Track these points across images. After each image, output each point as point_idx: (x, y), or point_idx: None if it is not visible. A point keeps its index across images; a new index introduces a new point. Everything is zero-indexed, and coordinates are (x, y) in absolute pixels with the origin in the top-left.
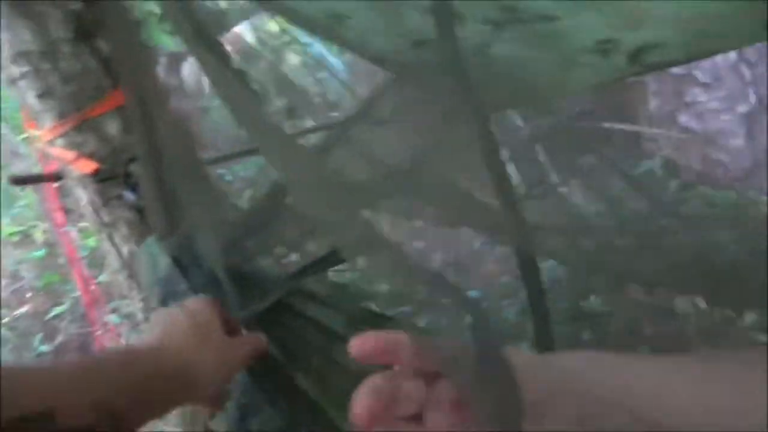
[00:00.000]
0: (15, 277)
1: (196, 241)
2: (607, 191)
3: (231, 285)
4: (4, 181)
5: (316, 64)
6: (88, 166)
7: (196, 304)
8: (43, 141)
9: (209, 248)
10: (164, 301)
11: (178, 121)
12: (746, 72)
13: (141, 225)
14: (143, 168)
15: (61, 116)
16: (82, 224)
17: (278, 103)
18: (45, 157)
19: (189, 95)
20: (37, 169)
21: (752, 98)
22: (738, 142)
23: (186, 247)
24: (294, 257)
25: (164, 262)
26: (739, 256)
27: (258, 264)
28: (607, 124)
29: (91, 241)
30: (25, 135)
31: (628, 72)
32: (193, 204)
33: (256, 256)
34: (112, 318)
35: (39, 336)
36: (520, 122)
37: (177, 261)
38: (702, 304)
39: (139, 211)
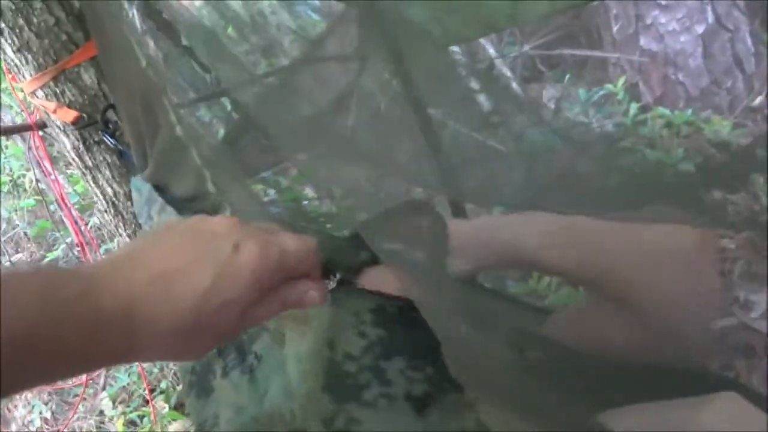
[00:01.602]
0: (9, 224)
1: (168, 173)
2: (570, 117)
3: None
4: None
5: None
6: (69, 114)
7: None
8: (25, 92)
9: (178, 181)
10: (150, 217)
11: (147, 67)
12: None
13: (121, 167)
14: (120, 111)
15: (39, 68)
16: (70, 171)
17: (254, 40)
18: (28, 107)
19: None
20: (21, 119)
21: (710, 17)
22: (696, 62)
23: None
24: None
25: (146, 188)
26: (691, 169)
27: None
28: (568, 51)
29: (80, 187)
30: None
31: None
32: (163, 142)
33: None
34: None
35: None
36: (491, 51)
37: (155, 186)
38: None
39: (119, 153)
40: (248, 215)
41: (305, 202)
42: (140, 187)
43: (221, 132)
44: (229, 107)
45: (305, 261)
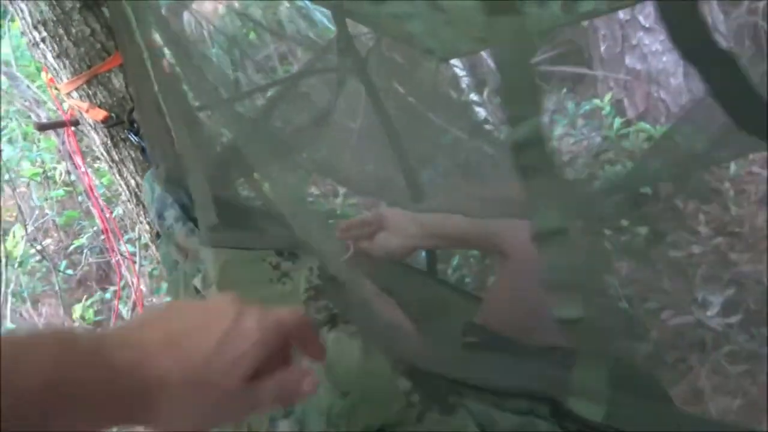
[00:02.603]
0: (39, 212)
1: (183, 171)
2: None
3: (204, 203)
4: (24, 127)
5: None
6: (99, 114)
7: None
8: (62, 93)
9: (193, 177)
10: (160, 215)
11: (169, 74)
12: None
13: (144, 161)
14: (140, 114)
15: (75, 73)
16: (96, 165)
17: (272, 48)
18: (63, 106)
19: (190, 42)
20: (54, 116)
21: None
22: (677, 80)
23: (174, 175)
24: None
25: (158, 187)
26: (665, 181)
27: (236, 192)
28: (559, 68)
29: (106, 180)
30: (40, 84)
31: (564, 20)
32: (182, 142)
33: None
34: (128, 247)
35: (63, 263)
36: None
37: (167, 186)
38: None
39: (142, 150)
40: (255, 212)
41: (310, 200)
42: (152, 184)
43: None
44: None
45: (300, 326)
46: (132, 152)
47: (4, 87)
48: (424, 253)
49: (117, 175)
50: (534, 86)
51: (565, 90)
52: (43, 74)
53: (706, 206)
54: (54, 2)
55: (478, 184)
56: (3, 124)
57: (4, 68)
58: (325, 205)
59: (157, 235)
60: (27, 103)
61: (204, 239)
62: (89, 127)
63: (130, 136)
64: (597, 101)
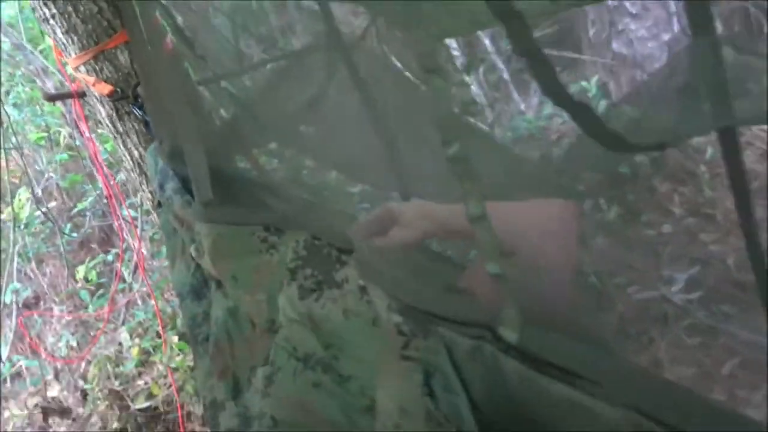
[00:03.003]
0: (43, 175)
1: (182, 145)
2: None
3: (201, 179)
4: (30, 92)
5: None
6: (105, 88)
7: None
8: (70, 67)
9: (191, 154)
10: (161, 186)
11: (170, 53)
12: (671, 3)
13: (147, 134)
14: (144, 91)
15: (83, 48)
16: (100, 131)
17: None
18: (71, 78)
19: (195, 12)
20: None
21: (675, 27)
22: (661, 65)
23: (176, 151)
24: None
25: (161, 161)
26: (641, 161)
27: (234, 168)
28: (548, 50)
29: (109, 146)
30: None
31: (552, 8)
32: (181, 119)
33: (233, 160)
34: (130, 212)
35: (67, 226)
36: (489, 46)
37: (169, 160)
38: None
39: (146, 123)
40: (249, 189)
41: (304, 172)
42: (156, 157)
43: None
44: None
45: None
46: (136, 125)
47: (8, 51)
48: None
49: (121, 146)
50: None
51: (558, 70)
52: (52, 46)
53: (682, 188)
54: None
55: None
56: (8, 88)
57: (11, 36)
58: (319, 178)
59: (158, 204)
60: (32, 68)
61: (198, 214)
62: (95, 100)
63: (134, 110)
64: (584, 83)
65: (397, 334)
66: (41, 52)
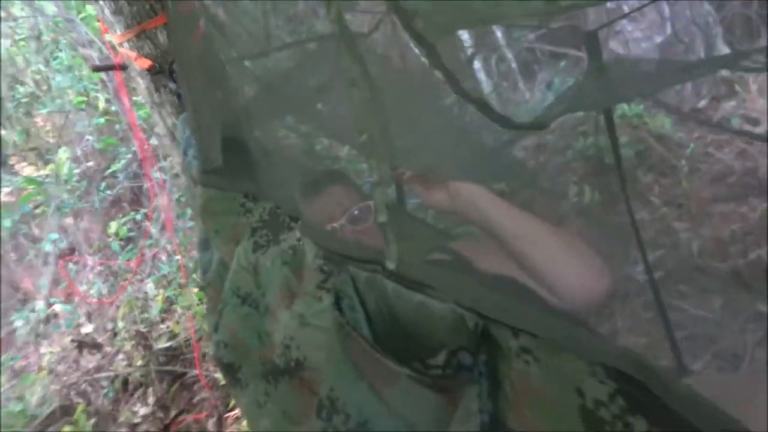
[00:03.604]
0: (81, 138)
1: (198, 117)
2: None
3: (210, 149)
4: (71, 59)
5: None
6: (145, 63)
7: None
8: (115, 43)
9: (206, 123)
10: (185, 152)
11: (201, 34)
12: (666, 8)
13: (179, 106)
14: (178, 68)
15: (127, 27)
16: (135, 98)
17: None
18: (115, 52)
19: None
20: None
21: (668, 30)
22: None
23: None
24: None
25: (187, 130)
26: (627, 152)
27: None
28: (548, 47)
29: (143, 113)
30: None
31: (547, 10)
32: (201, 92)
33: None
34: (161, 174)
35: (102, 184)
36: (501, 38)
37: (192, 130)
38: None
39: (178, 96)
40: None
41: (318, 147)
42: (184, 126)
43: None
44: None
45: None
46: (170, 97)
47: (53, 18)
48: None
49: (156, 115)
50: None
51: (563, 63)
52: (99, 23)
53: (663, 179)
54: None
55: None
56: (54, 54)
57: (60, 6)
58: (330, 150)
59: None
60: (73, 35)
61: (197, 179)
62: (135, 73)
63: (169, 83)
64: (580, 78)
65: (320, 272)
66: (81, 20)
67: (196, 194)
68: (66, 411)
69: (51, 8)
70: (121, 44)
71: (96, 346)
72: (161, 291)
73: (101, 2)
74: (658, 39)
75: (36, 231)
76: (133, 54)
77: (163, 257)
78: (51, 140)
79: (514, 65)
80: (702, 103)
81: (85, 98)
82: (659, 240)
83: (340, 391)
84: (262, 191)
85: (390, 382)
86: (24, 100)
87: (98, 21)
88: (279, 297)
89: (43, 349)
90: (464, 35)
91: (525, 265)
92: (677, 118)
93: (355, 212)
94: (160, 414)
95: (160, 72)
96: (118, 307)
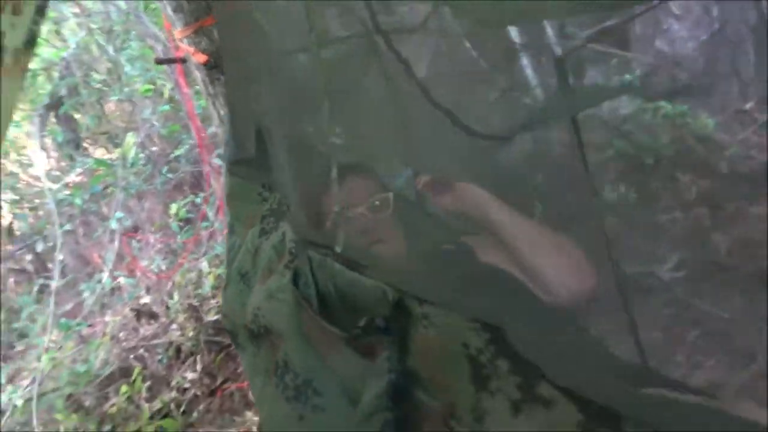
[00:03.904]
0: (147, 123)
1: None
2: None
3: (244, 139)
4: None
5: None
6: (202, 57)
7: None
8: (176, 38)
9: (246, 115)
10: (227, 143)
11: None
12: (714, 8)
13: None
14: (225, 64)
15: (186, 24)
16: (195, 88)
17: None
18: (176, 47)
19: None
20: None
21: (716, 29)
22: (698, 66)
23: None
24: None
25: None
26: (667, 152)
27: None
28: (599, 46)
29: (202, 102)
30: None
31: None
32: (244, 86)
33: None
34: (217, 161)
35: (165, 168)
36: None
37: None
38: None
39: None
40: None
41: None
42: None
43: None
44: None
45: None
46: (223, 89)
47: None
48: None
49: (212, 106)
50: None
51: (614, 61)
52: (163, 20)
53: (701, 180)
54: None
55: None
56: (125, 45)
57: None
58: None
59: None
60: (143, 28)
61: (225, 168)
62: (194, 66)
63: (222, 77)
64: (627, 76)
65: (289, 254)
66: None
67: (225, 182)
68: (124, 373)
69: (122, 3)
70: (181, 39)
71: (153, 316)
72: (213, 269)
73: (164, 1)
74: (704, 38)
75: (104, 209)
76: (191, 49)
77: (218, 238)
78: (120, 125)
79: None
80: (749, 105)
81: (152, 87)
82: (689, 239)
83: (292, 354)
84: (275, 182)
85: (333, 349)
86: (96, 87)
87: (160, 7)
88: (261, 275)
89: (107, 318)
90: (513, 31)
91: (520, 263)
92: (721, 119)
93: (376, 202)
94: (206, 380)
95: (215, 66)
96: (174, 282)
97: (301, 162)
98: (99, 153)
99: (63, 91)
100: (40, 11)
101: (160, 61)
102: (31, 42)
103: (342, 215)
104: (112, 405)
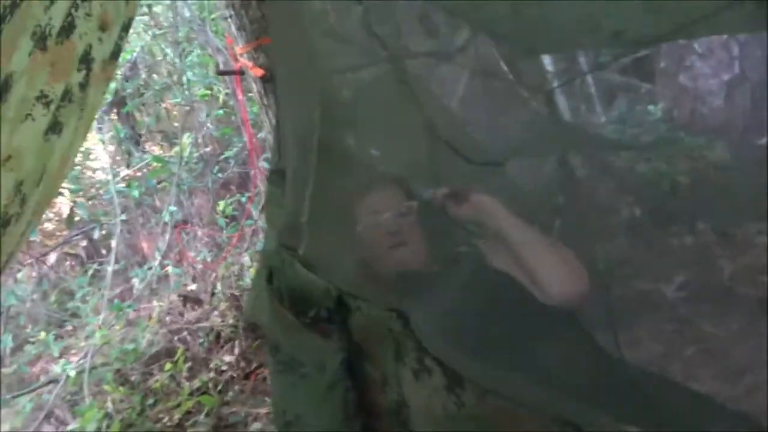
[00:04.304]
0: (202, 127)
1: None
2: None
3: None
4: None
5: None
6: (258, 72)
7: None
8: (237, 53)
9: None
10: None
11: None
12: (735, 47)
13: None
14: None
15: (247, 41)
16: (250, 94)
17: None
18: (237, 60)
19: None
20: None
21: (737, 68)
22: (719, 101)
23: None
24: None
25: None
26: (683, 180)
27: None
28: (624, 78)
29: (255, 109)
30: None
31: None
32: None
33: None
34: (264, 164)
35: (215, 168)
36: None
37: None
38: None
39: None
40: None
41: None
42: None
43: None
44: None
45: None
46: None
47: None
48: None
49: (265, 114)
50: None
51: (642, 91)
52: (226, 36)
53: (713, 208)
54: None
55: None
56: (186, 53)
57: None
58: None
59: None
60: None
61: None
62: (251, 79)
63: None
64: (651, 107)
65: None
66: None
67: (265, 189)
68: (168, 353)
69: (187, 11)
70: (241, 54)
71: (197, 302)
72: (255, 263)
73: (229, 20)
74: (726, 77)
75: (157, 203)
76: (250, 63)
77: (261, 235)
78: (175, 125)
79: (593, 90)
80: (763, 140)
81: (209, 92)
82: (695, 262)
83: (272, 336)
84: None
85: (298, 332)
86: (157, 88)
87: (224, 25)
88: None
89: (154, 303)
90: (546, 59)
91: (523, 267)
92: (737, 152)
93: (403, 209)
94: (242, 364)
95: (270, 81)
96: (218, 274)
97: (340, 171)
98: (155, 150)
99: (127, 91)
100: (125, 27)
101: (221, 73)
102: (116, 54)
103: (373, 219)
104: (156, 381)
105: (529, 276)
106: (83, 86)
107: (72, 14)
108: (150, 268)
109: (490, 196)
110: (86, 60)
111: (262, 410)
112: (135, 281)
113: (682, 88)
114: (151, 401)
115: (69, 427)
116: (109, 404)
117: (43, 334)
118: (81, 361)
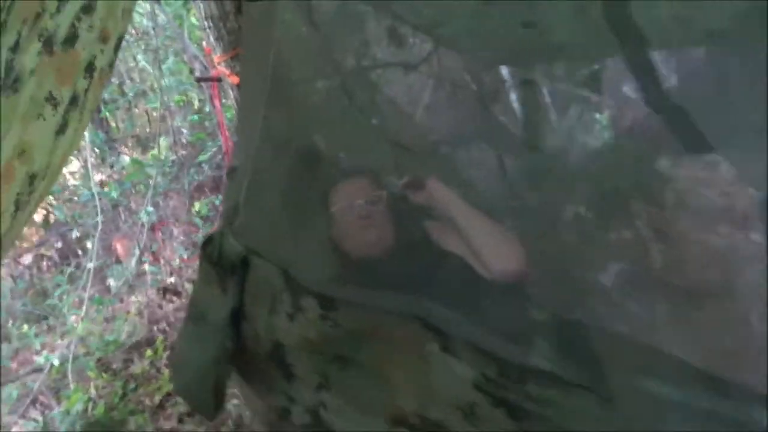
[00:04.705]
0: (178, 132)
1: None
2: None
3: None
4: (176, 65)
5: None
6: (235, 79)
7: None
8: (215, 61)
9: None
10: None
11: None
12: (672, 60)
13: None
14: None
15: (224, 50)
16: (224, 101)
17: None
18: (213, 67)
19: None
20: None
21: (673, 81)
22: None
23: None
24: None
25: None
26: (625, 183)
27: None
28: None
29: (229, 114)
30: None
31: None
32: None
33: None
34: None
35: (192, 170)
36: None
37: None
38: None
39: None
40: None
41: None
42: None
43: None
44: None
45: None
46: None
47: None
48: None
49: None
50: None
51: (594, 101)
52: (204, 45)
53: (650, 208)
54: (220, 4)
55: None
56: (164, 60)
57: (173, 24)
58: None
59: None
60: (178, 46)
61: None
62: (228, 85)
63: None
64: (597, 115)
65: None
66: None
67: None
68: (149, 342)
69: (162, 18)
70: (219, 63)
71: (176, 293)
72: None
73: (207, 30)
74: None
75: (133, 205)
76: (227, 71)
77: None
78: (148, 130)
79: (548, 99)
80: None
81: (184, 98)
82: (630, 253)
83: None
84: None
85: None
86: (131, 95)
87: (202, 35)
88: None
89: (132, 298)
90: (504, 69)
91: (470, 247)
92: (674, 158)
93: (374, 197)
94: None
95: None
96: (195, 268)
97: (311, 168)
98: (130, 154)
99: (103, 97)
100: (119, 41)
101: (199, 80)
102: (111, 64)
103: (347, 204)
104: (137, 367)
105: (476, 256)
106: (86, 92)
107: (75, 26)
108: (126, 268)
109: (444, 184)
110: (90, 69)
111: (237, 389)
112: (111, 281)
113: (625, 98)
114: (132, 386)
115: (55, 411)
116: (93, 390)
117: (25, 327)
118: (64, 352)
